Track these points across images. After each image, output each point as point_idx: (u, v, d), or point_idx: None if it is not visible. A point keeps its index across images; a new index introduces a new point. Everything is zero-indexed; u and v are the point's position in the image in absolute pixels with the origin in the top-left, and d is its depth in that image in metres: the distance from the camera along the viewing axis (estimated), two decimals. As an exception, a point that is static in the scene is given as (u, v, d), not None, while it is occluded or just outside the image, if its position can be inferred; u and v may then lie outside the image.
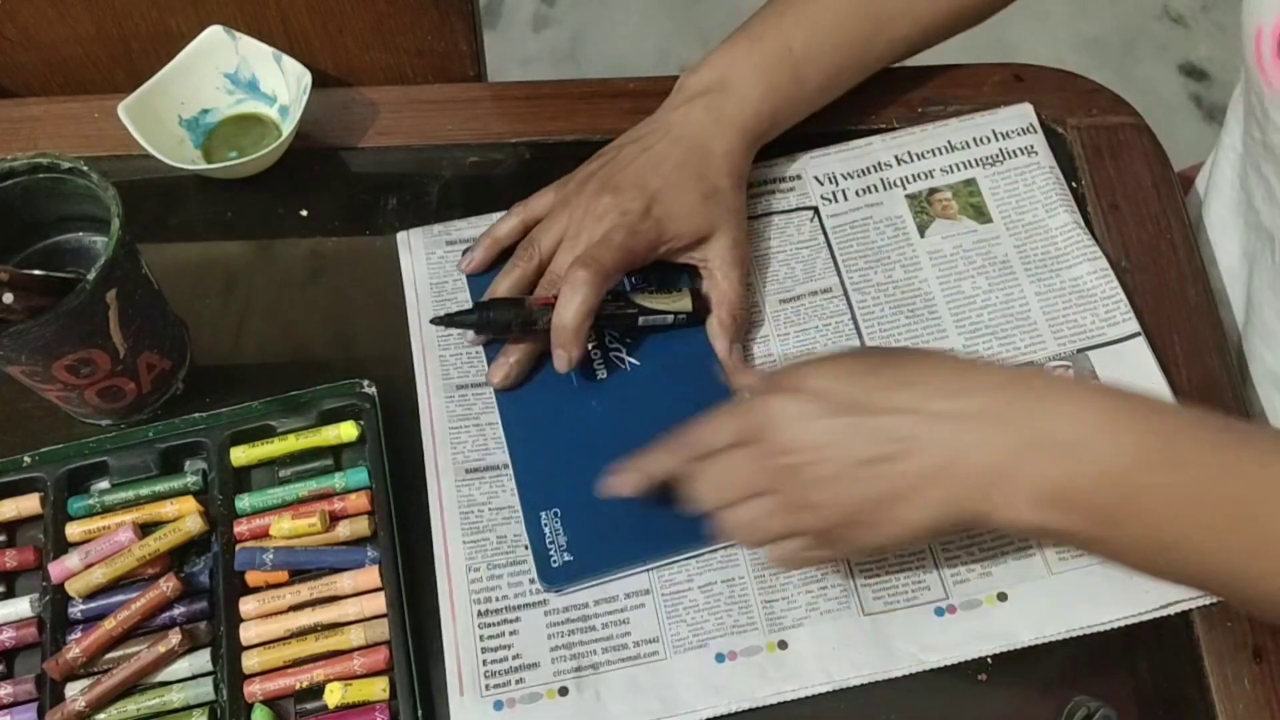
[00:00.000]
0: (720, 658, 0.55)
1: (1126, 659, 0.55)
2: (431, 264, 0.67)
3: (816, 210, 0.68)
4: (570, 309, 0.57)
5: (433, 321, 0.61)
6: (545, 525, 0.58)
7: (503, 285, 0.62)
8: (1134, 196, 0.68)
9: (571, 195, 0.63)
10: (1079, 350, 0.62)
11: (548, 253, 0.62)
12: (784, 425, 0.49)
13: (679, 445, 0.53)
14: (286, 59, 0.70)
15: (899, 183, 0.68)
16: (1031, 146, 0.69)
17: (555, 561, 0.57)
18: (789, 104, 0.65)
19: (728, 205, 0.62)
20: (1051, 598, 0.56)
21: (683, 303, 0.62)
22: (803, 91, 0.65)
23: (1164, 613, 0.55)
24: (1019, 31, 1.71)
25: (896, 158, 0.69)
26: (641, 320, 0.62)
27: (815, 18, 0.65)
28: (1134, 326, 0.62)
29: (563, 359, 0.59)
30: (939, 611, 0.56)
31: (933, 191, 0.68)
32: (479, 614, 0.57)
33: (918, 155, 0.69)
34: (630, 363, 0.62)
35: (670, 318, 0.62)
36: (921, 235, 0.67)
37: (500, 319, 0.60)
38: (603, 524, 0.57)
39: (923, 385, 0.48)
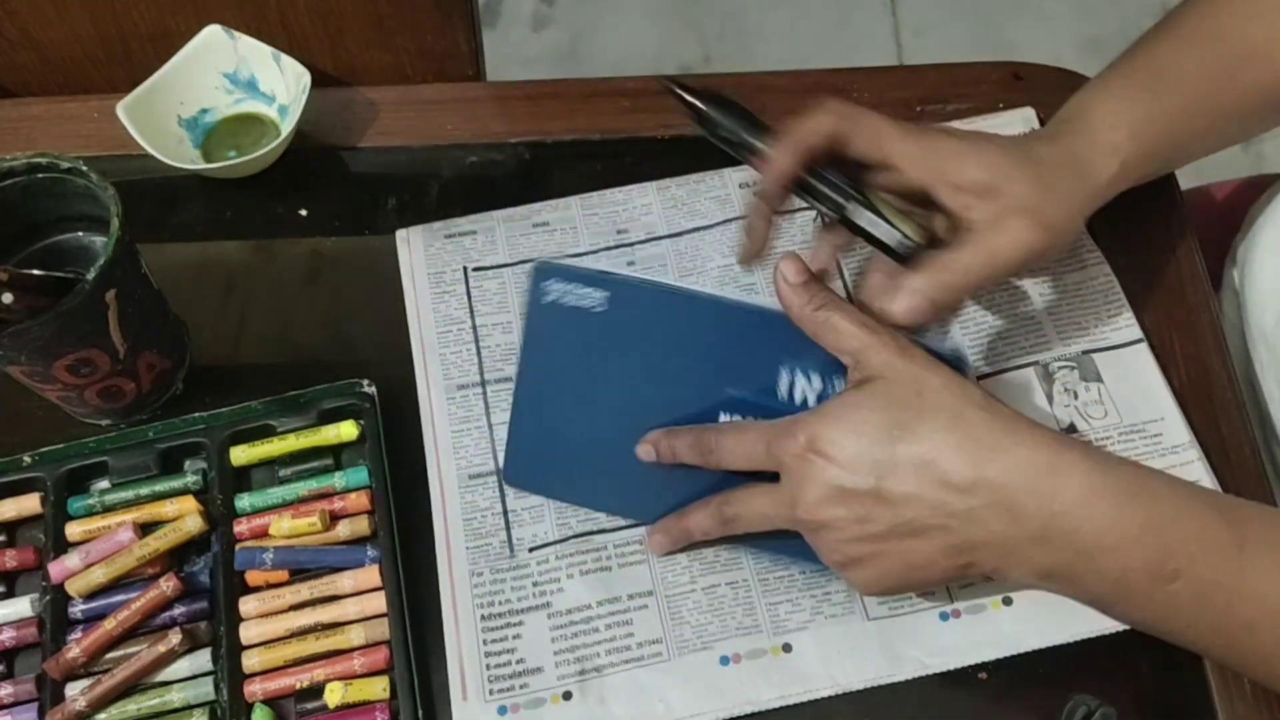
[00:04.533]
0: (725, 660, 0.55)
1: (1127, 658, 0.55)
2: (430, 255, 0.67)
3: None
4: (801, 125, 0.52)
5: (660, 78, 0.54)
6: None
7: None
8: (1133, 195, 0.68)
9: None
10: (1083, 352, 0.62)
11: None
12: (801, 483, 0.50)
13: (701, 447, 0.53)
14: (285, 58, 0.70)
15: (900, 182, 0.68)
16: (1032, 148, 0.69)
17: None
18: (1150, 153, 0.57)
19: (1044, 188, 0.53)
20: (1055, 602, 0.55)
21: (910, 227, 0.53)
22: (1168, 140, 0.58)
23: (1166, 613, 0.55)
24: (1019, 30, 1.71)
25: (897, 157, 0.69)
26: (856, 216, 0.53)
27: (1172, 63, 0.59)
28: (1137, 332, 0.62)
29: (764, 171, 0.53)
30: (944, 616, 0.56)
31: (933, 191, 0.68)
32: (483, 618, 0.57)
33: (918, 155, 0.69)
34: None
35: (886, 226, 0.53)
36: (922, 234, 0.66)
37: (727, 120, 0.54)
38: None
39: (940, 469, 0.48)
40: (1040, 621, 0.55)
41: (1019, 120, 0.70)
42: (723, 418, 0.55)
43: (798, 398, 0.54)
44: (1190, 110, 0.58)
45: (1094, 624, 0.55)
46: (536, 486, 0.59)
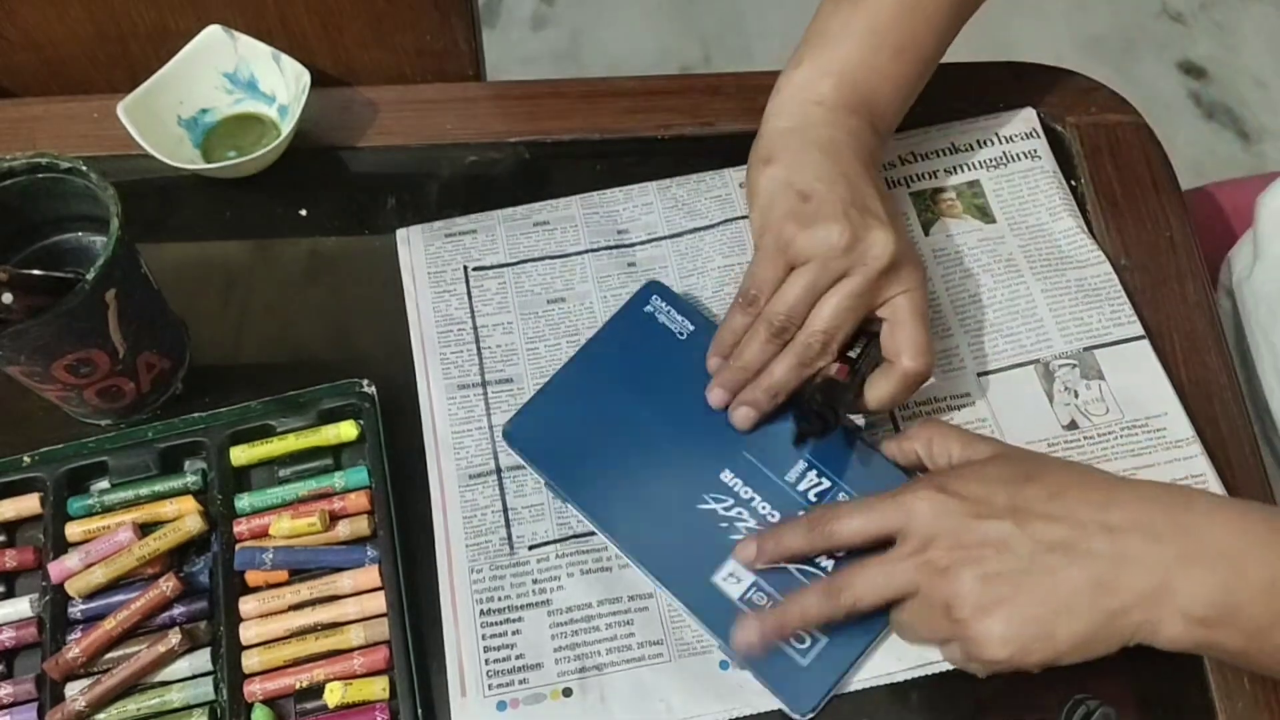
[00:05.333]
0: (724, 664, 0.55)
1: (1126, 657, 0.55)
2: (430, 254, 0.67)
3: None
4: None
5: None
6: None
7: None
8: (1133, 194, 0.68)
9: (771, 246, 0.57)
10: (1085, 349, 0.62)
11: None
12: (932, 523, 0.49)
13: (817, 533, 0.52)
14: (285, 58, 0.70)
15: (903, 181, 0.68)
16: (1035, 151, 0.69)
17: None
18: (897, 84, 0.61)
19: (899, 219, 0.57)
20: None
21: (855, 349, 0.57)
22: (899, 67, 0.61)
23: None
24: (1019, 30, 1.71)
25: (900, 158, 0.69)
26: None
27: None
28: (1139, 328, 0.63)
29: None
30: None
31: (937, 191, 0.68)
32: (481, 614, 0.57)
33: (921, 155, 0.69)
34: None
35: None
36: (926, 233, 0.67)
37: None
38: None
39: (1073, 496, 0.48)
40: None
41: (1019, 120, 0.70)
42: (725, 474, 0.58)
43: (802, 486, 0.58)
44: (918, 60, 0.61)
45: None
46: (530, 454, 0.60)
